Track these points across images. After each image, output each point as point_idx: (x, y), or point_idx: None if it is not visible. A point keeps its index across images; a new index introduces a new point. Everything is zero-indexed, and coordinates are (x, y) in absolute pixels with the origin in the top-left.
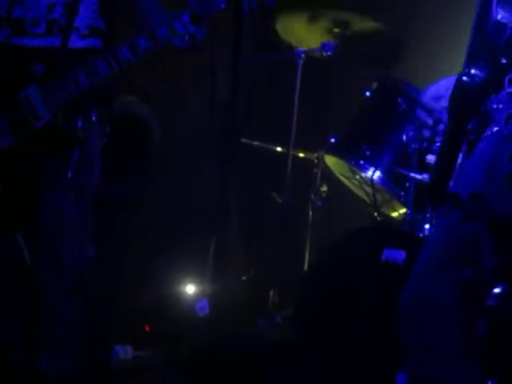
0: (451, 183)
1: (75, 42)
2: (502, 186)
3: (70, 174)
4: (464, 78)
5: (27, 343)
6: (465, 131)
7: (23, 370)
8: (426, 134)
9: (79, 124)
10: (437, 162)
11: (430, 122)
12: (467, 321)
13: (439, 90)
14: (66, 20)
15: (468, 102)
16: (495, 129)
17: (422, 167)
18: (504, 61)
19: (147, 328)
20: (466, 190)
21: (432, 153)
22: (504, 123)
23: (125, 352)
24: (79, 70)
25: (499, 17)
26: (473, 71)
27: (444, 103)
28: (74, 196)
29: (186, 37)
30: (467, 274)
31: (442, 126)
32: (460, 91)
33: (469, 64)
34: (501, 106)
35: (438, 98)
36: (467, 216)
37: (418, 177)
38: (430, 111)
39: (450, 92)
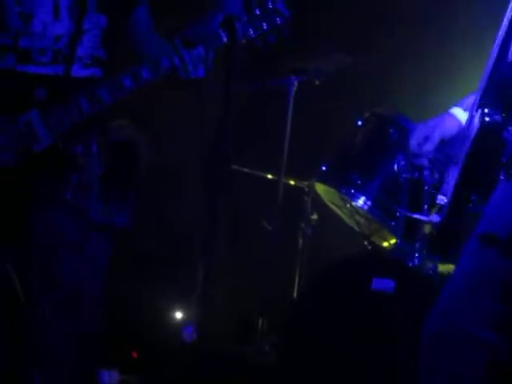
0: (482, 221)
1: (78, 71)
2: None
3: (69, 196)
4: (486, 119)
5: (13, 359)
6: (487, 171)
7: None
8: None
9: (79, 150)
10: (451, 205)
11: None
12: (498, 355)
13: (426, 131)
14: (69, 50)
15: (494, 141)
16: None
17: (433, 208)
18: None
19: (134, 353)
20: (502, 229)
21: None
22: None
23: (110, 377)
24: (82, 97)
25: None
26: (486, 111)
27: (430, 145)
28: (71, 217)
29: (190, 67)
30: (506, 309)
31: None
32: (485, 132)
33: (482, 105)
34: None
35: (425, 139)
36: (506, 255)
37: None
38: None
39: (437, 132)
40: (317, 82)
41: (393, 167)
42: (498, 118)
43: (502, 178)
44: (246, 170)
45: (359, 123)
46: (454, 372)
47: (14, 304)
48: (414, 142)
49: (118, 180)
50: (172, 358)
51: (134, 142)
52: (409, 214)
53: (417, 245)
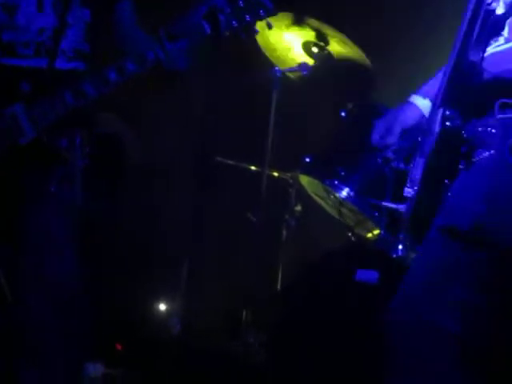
0: (443, 212)
1: (61, 64)
2: None
3: (53, 189)
4: (448, 124)
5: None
6: (450, 164)
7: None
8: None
9: (63, 144)
10: (420, 197)
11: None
12: (464, 344)
13: (387, 123)
14: (53, 43)
15: (456, 143)
16: (489, 153)
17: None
18: (479, 88)
19: (118, 346)
20: (465, 220)
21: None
22: (508, 152)
23: (95, 369)
24: (67, 91)
25: (473, 57)
26: (448, 112)
27: (392, 137)
28: (57, 211)
29: (173, 59)
30: (474, 299)
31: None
32: (447, 136)
33: (443, 105)
34: (492, 130)
35: (387, 131)
36: (469, 246)
37: (391, 205)
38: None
39: (398, 122)
40: (301, 74)
41: (376, 158)
42: (458, 122)
43: (462, 167)
44: (230, 162)
45: (343, 114)
46: (421, 362)
47: (1, 303)
48: (376, 136)
49: (103, 172)
50: (157, 352)
51: (120, 135)
52: (384, 204)
53: (401, 236)
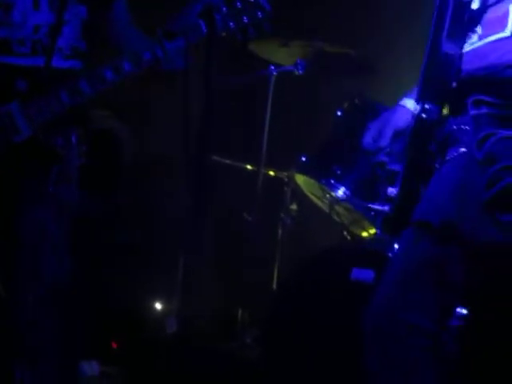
0: (417, 209)
1: (58, 63)
2: (480, 214)
3: (50, 189)
4: (423, 116)
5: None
6: (427, 162)
7: None
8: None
9: (59, 142)
10: (401, 195)
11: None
12: (440, 343)
13: (379, 126)
14: (49, 40)
15: (429, 136)
16: (461, 150)
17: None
18: (456, 87)
19: (114, 344)
20: (436, 216)
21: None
22: (476, 148)
23: (91, 368)
24: (63, 90)
25: (448, 49)
26: (427, 106)
27: (384, 140)
28: (54, 210)
29: (171, 58)
30: (445, 297)
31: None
32: (421, 128)
33: (422, 99)
34: (466, 127)
35: (379, 135)
36: (439, 242)
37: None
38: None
39: (389, 125)
40: (297, 73)
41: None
42: (435, 117)
43: (437, 166)
44: (226, 161)
45: (339, 113)
46: (402, 364)
47: None
48: (368, 139)
49: (100, 171)
50: (153, 351)
51: (116, 132)
52: (369, 205)
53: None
